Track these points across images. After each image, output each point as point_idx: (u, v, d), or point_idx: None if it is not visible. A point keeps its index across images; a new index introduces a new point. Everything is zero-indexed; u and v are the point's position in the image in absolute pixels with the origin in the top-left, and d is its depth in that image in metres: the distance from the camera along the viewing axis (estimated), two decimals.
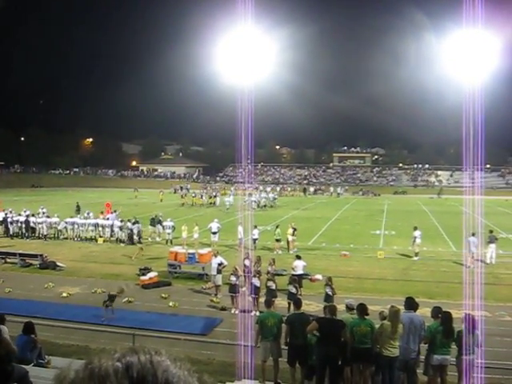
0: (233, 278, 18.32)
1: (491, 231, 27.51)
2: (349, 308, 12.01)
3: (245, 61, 36.71)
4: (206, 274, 21.99)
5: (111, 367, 0.91)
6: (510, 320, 17.09)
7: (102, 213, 35.90)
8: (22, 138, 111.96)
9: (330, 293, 16.52)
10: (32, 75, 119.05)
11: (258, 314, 15.83)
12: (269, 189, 70.86)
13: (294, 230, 29.51)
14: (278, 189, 79.52)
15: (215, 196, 61.20)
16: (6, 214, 34.79)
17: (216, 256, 20.64)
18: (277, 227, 30.20)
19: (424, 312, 12.41)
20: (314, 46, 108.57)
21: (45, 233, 33.03)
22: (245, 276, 19.33)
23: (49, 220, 33.48)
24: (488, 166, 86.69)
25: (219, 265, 20.03)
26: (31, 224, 33.55)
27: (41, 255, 25.37)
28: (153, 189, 75.65)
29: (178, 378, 0.92)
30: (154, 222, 33.39)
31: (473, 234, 25.53)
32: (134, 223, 31.64)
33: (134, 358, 0.92)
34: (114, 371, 0.90)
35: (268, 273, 19.39)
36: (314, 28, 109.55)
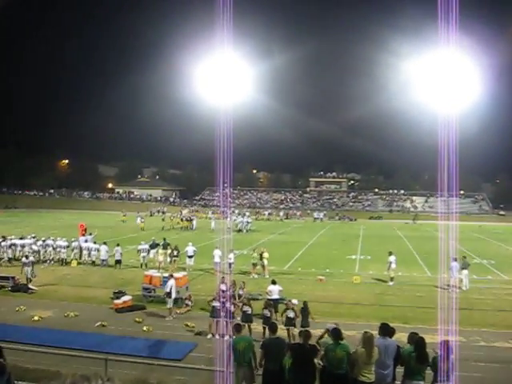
0: (216, 304, 18.02)
1: (464, 257, 27.78)
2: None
3: (223, 84, 36.94)
4: (181, 298, 21.78)
5: None
6: (483, 345, 17.18)
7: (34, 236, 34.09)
8: None
9: (291, 315, 16.53)
10: (7, 95, 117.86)
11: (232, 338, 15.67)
12: (248, 213, 70.53)
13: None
14: (255, 213, 79.52)
15: (191, 219, 60.85)
16: None
17: (169, 279, 20.54)
18: (253, 251, 30.16)
19: (399, 337, 12.40)
20: (293, 71, 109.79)
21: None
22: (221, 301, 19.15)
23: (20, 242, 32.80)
24: (462, 192, 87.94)
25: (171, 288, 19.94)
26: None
27: (12, 277, 24.81)
28: (130, 212, 74.88)
29: None
30: (164, 246, 32.23)
31: (455, 260, 25.79)
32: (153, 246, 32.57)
33: None
34: None
35: (239, 296, 19.31)
36: (293, 54, 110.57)
